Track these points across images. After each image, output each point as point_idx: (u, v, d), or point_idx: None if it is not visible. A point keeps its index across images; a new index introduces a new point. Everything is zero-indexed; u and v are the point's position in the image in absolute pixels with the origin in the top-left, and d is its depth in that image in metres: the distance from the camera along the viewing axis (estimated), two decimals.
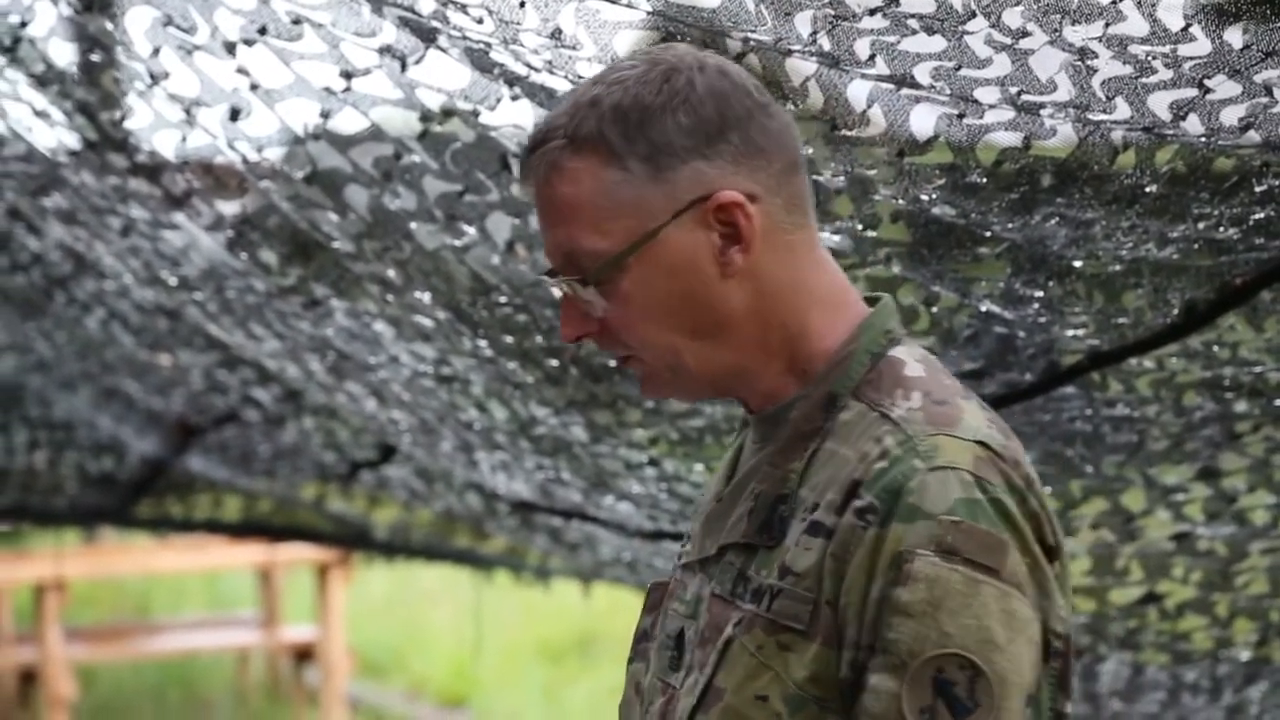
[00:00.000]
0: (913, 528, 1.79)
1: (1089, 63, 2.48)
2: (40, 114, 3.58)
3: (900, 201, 2.94)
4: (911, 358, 1.94)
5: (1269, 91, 2.38)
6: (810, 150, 2.83)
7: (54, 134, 3.74)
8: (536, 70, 2.94)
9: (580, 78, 2.97)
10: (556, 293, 1.98)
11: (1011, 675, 1.76)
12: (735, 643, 1.87)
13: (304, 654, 11.48)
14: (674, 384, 1.97)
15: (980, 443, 1.83)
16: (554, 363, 3.86)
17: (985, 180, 2.85)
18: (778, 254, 1.92)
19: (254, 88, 3.26)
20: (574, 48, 2.86)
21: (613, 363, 3.75)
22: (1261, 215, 2.68)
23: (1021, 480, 1.84)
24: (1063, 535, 1.88)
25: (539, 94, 3.04)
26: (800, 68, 2.79)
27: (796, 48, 2.65)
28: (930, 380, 1.92)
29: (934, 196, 2.89)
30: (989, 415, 1.91)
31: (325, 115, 3.27)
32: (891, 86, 2.66)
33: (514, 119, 3.22)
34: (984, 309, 3.16)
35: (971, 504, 1.79)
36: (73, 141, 3.73)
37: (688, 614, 1.97)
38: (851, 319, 1.96)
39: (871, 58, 2.61)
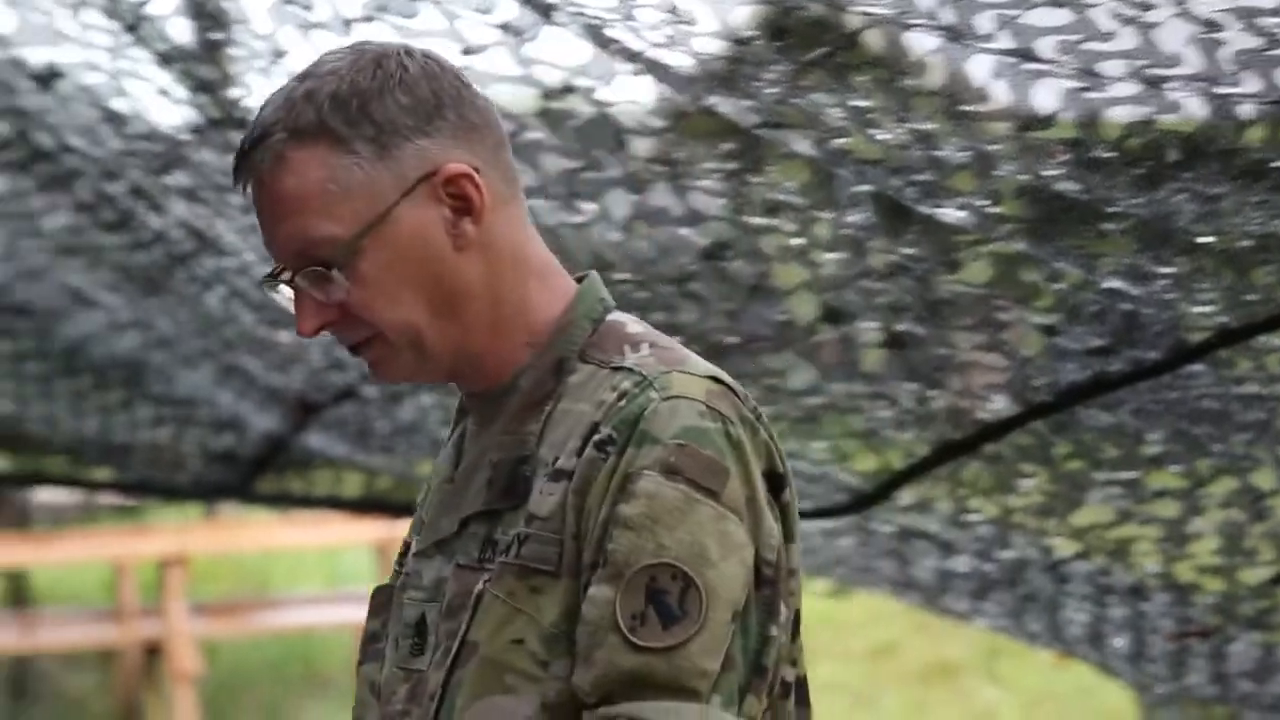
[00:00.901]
0: (642, 451, 1.85)
1: (1216, 35, 2.45)
2: (162, 92, 3.61)
3: (1023, 177, 2.91)
4: (630, 320, 1.99)
5: None
6: (932, 125, 2.81)
7: (176, 112, 3.78)
8: (655, 45, 2.93)
9: (699, 54, 2.96)
10: (286, 291, 1.96)
11: (721, 590, 1.82)
12: (486, 595, 1.90)
13: None
14: (413, 365, 1.97)
15: (712, 377, 1.90)
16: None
17: (1110, 155, 2.82)
18: (502, 225, 1.95)
19: None
20: (690, 23, 2.85)
21: (732, 339, 3.73)
22: None
23: (752, 412, 1.90)
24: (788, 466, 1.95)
25: (657, 70, 3.04)
26: (920, 43, 2.77)
27: (917, 21, 2.63)
28: (652, 334, 1.97)
29: (1057, 172, 2.86)
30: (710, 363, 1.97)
31: None
32: (1014, 61, 2.63)
33: (632, 95, 3.21)
34: (1109, 286, 3.13)
35: (700, 431, 1.85)
36: (194, 119, 3.76)
37: (428, 598, 1.99)
38: (566, 290, 1.99)
39: (994, 32, 2.59)
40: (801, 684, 1.96)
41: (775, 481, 1.91)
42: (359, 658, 2.10)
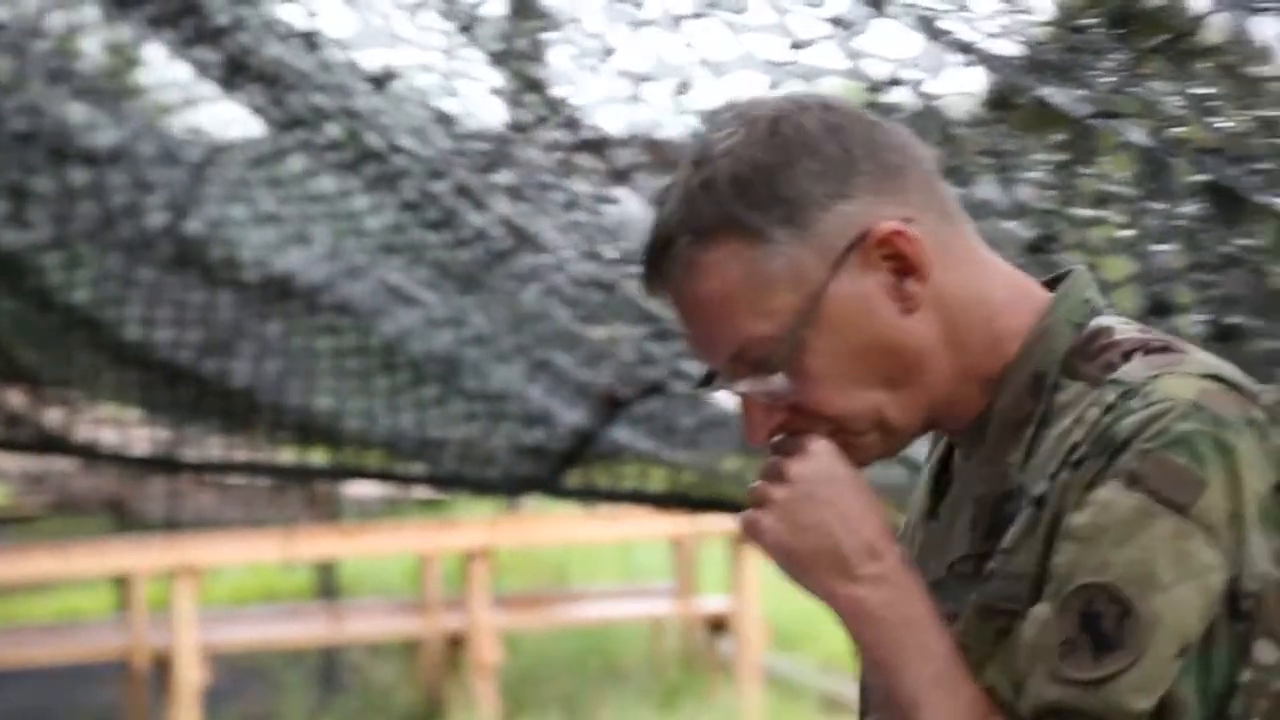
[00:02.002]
0: (1110, 460, 1.64)
1: None
2: (494, 92, 3.68)
3: None
4: (1118, 323, 1.76)
5: None
6: (1277, 111, 2.75)
7: (504, 111, 3.85)
8: (990, 35, 2.91)
9: (1040, 43, 2.94)
10: (731, 398, 1.81)
11: (1167, 618, 1.59)
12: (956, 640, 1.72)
13: (718, 625, 11.62)
14: (881, 445, 1.78)
15: (1212, 375, 1.66)
16: None
17: None
18: (952, 269, 1.75)
19: (702, 61, 3.30)
20: (1027, 12, 2.83)
21: None
22: None
23: (1264, 414, 1.66)
24: None
25: (990, 60, 3.01)
26: (1268, 28, 2.72)
27: (1265, 5, 2.57)
28: (1146, 336, 1.73)
29: None
30: (1219, 359, 1.73)
31: (772, 87, 3.28)
32: None
33: (959, 87, 3.19)
34: None
35: (1178, 436, 1.62)
36: (522, 117, 3.83)
37: None
38: (1039, 301, 1.78)
39: None
40: None
41: None
42: (860, 706, 1.87)
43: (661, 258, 1.75)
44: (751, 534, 1.75)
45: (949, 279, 1.74)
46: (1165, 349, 1.71)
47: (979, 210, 3.49)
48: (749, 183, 1.72)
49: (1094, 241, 3.49)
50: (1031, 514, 1.69)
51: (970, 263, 1.77)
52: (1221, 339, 3.53)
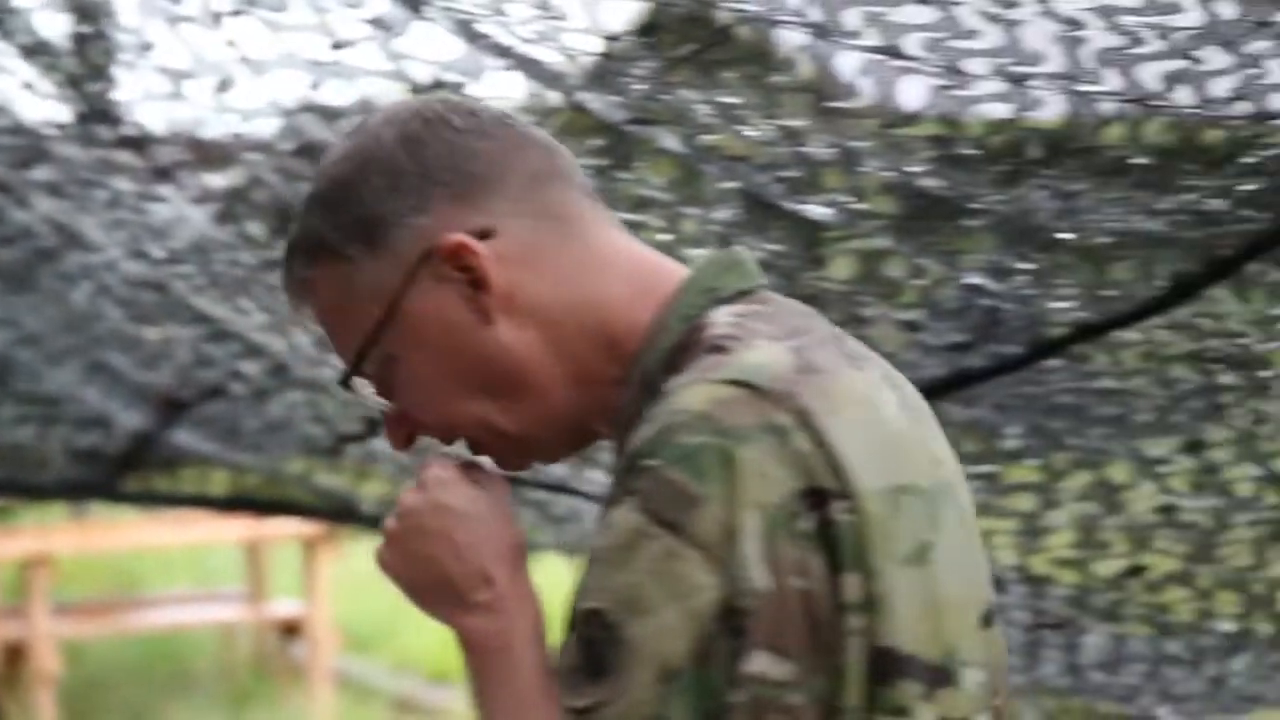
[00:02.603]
0: (627, 476, 1.59)
1: (1079, 33, 2.49)
2: (27, 86, 3.58)
3: (888, 174, 2.94)
4: (723, 315, 1.68)
5: (1258, 62, 2.39)
6: (799, 122, 2.84)
7: (41, 106, 3.74)
8: (526, 41, 2.94)
9: (569, 49, 2.98)
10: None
11: (648, 645, 1.54)
12: None
13: (291, 629, 11.49)
14: (516, 450, 1.76)
15: (736, 381, 1.58)
16: None
17: (973, 152, 2.85)
18: (546, 277, 1.71)
19: (242, 60, 3.26)
20: (561, 19, 2.86)
21: None
22: (1250, 187, 2.68)
23: (792, 417, 1.58)
24: (865, 480, 1.60)
25: (529, 66, 3.05)
26: (788, 40, 2.80)
27: (786, 18, 2.65)
28: (725, 331, 1.65)
29: (922, 169, 2.90)
30: (802, 356, 1.63)
31: (314, 87, 3.27)
32: (880, 58, 2.67)
33: (502, 91, 3.22)
34: (971, 282, 3.17)
35: (681, 450, 1.56)
36: (59, 114, 3.73)
37: None
38: (667, 295, 1.71)
39: (861, 29, 2.61)
40: None
41: (819, 499, 1.57)
42: None
43: (285, 273, 1.77)
44: (379, 565, 1.75)
45: (542, 287, 1.71)
46: (719, 349, 1.63)
47: None
48: (331, 202, 1.72)
49: None
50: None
51: (576, 266, 1.72)
52: None
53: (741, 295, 1.71)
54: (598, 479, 4.74)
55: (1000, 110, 2.74)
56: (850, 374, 1.66)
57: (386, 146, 1.72)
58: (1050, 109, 2.70)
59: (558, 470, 4.79)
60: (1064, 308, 3.15)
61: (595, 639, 1.57)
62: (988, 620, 1.69)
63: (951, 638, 1.63)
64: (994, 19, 2.47)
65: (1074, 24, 2.44)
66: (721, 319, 1.67)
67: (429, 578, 1.72)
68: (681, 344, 1.67)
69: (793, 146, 2.94)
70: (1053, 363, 3.35)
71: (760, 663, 1.55)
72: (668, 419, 1.58)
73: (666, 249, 3.47)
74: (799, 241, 3.24)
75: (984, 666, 1.66)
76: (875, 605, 1.58)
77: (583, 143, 3.36)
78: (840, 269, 3.33)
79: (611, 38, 2.96)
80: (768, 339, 1.64)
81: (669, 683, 1.55)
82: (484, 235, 1.70)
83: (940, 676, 1.61)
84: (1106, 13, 2.39)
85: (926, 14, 2.51)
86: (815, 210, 3.02)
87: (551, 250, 1.71)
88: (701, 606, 1.55)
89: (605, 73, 3.03)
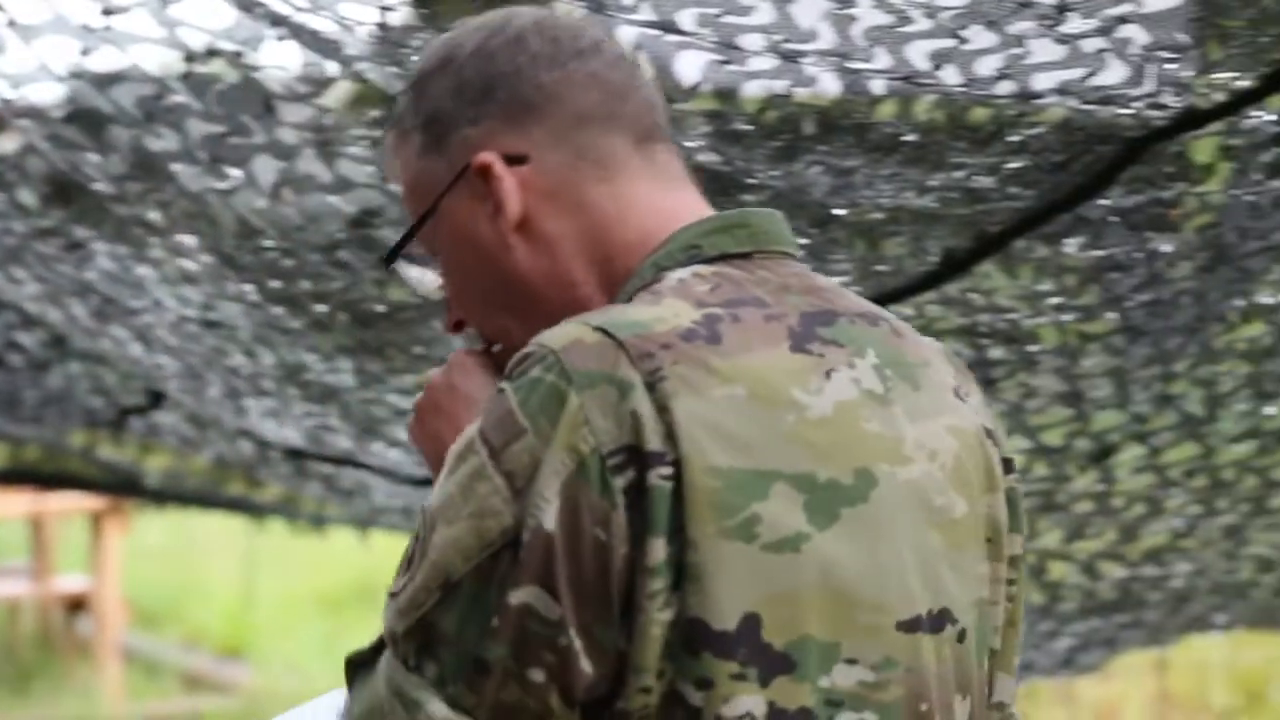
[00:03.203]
0: None
1: (849, 11, 2.51)
2: None
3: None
4: (694, 270, 1.71)
5: (1022, 42, 2.43)
6: None
7: None
8: (301, 10, 2.91)
9: (346, 19, 2.95)
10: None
11: (435, 550, 1.62)
12: None
13: (77, 604, 11.32)
14: None
15: (603, 329, 1.62)
16: (322, 308, 3.83)
17: (749, 128, 2.87)
18: (563, 213, 1.76)
19: (11, 24, 3.19)
20: None
21: (380, 308, 3.73)
22: (1016, 165, 2.73)
23: (641, 376, 1.60)
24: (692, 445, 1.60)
25: (304, 35, 3.01)
26: (567, 12, 2.79)
27: None
28: (676, 283, 1.70)
29: (699, 144, 2.91)
30: (708, 325, 1.64)
31: (85, 53, 3.20)
32: (656, 32, 2.67)
33: (279, 60, 3.18)
34: None
35: (525, 381, 1.61)
36: None
37: None
38: (659, 244, 1.76)
39: (636, 3, 2.62)
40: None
41: (640, 458, 1.58)
42: None
43: (385, 132, 1.86)
44: (408, 435, 1.87)
45: (561, 222, 1.76)
46: (640, 300, 1.69)
47: (303, 184, 3.50)
48: (416, 86, 1.80)
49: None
50: None
51: (598, 210, 1.76)
52: None
53: (728, 258, 1.73)
54: (383, 452, 4.72)
55: (774, 86, 2.76)
56: (766, 354, 1.66)
57: (465, 51, 1.78)
58: (823, 86, 2.73)
59: (343, 443, 4.76)
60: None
61: (419, 534, 1.66)
62: (937, 628, 1.68)
63: (820, 631, 1.62)
64: None
65: (844, 2, 2.46)
66: (679, 274, 1.71)
67: (434, 453, 1.79)
68: (640, 289, 1.71)
69: None
70: None
71: (525, 595, 1.59)
72: (532, 348, 1.64)
73: None
74: None
75: (903, 669, 1.65)
76: (688, 575, 1.58)
77: (362, 113, 3.34)
78: None
79: (388, 8, 2.94)
80: (683, 299, 1.67)
81: (446, 592, 1.61)
82: (518, 160, 1.76)
83: (777, 662, 1.60)
84: None
85: None
86: None
87: (580, 189, 1.76)
88: (490, 529, 1.60)
89: (384, 43, 3.01)
